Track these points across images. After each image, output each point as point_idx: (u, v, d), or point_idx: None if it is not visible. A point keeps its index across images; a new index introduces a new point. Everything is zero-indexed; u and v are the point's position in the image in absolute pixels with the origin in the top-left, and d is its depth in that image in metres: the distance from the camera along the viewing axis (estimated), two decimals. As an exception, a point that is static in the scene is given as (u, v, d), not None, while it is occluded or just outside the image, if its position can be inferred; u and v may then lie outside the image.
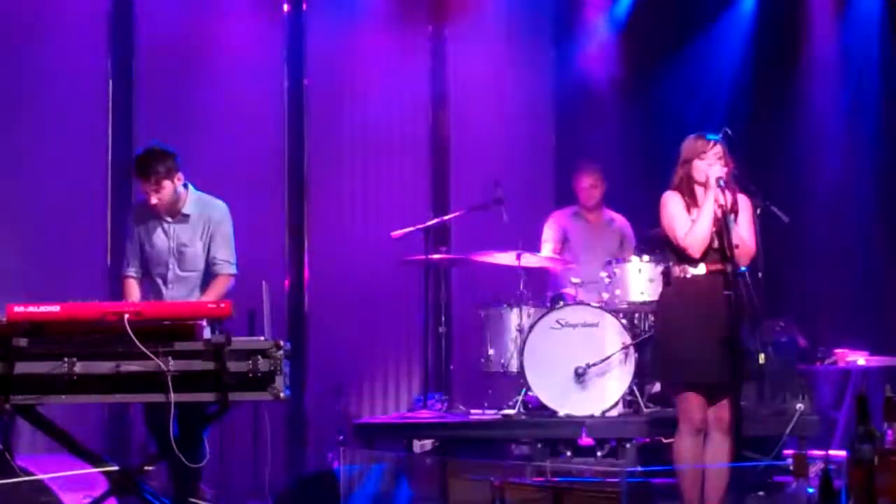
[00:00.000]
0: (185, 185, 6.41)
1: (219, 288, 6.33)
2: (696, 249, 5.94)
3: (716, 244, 5.92)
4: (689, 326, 5.90)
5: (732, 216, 5.88)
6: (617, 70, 10.21)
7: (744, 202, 6.01)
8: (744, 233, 5.95)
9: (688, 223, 5.96)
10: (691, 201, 6.01)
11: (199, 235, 6.38)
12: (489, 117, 9.97)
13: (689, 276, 5.97)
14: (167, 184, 6.28)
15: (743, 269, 5.95)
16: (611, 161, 9.01)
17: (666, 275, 6.22)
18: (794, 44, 10.06)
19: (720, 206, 5.87)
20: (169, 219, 6.40)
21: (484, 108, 9.99)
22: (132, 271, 6.46)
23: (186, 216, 6.39)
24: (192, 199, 6.41)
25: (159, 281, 6.42)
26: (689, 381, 5.93)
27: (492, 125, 9.95)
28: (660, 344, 6.24)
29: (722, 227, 5.86)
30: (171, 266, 6.40)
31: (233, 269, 6.40)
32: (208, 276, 6.40)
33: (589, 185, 8.69)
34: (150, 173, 6.25)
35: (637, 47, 10.14)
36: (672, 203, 6.04)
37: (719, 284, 5.85)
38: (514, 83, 10.15)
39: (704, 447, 5.96)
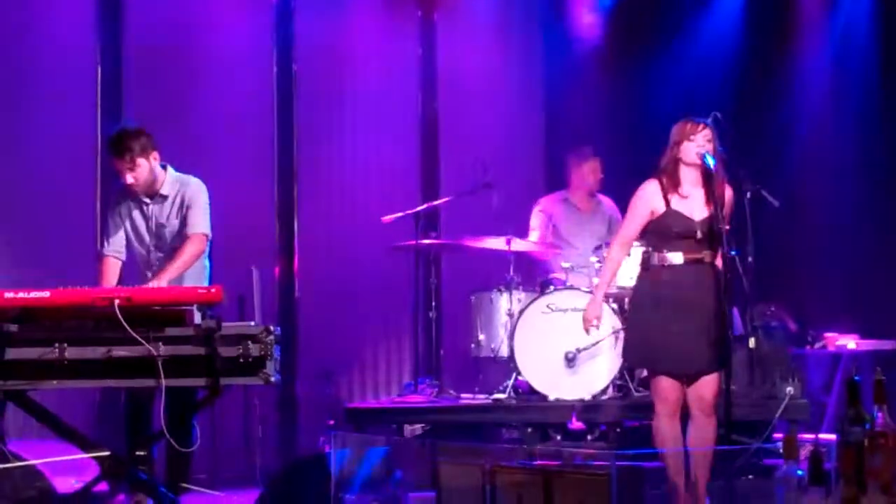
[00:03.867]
0: (164, 167, 6.39)
1: (189, 248, 6.22)
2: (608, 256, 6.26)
3: (699, 235, 5.92)
4: (663, 315, 5.92)
5: (722, 206, 5.88)
6: (607, 54, 10.20)
7: (728, 194, 6.01)
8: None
9: (633, 232, 6.04)
10: (672, 186, 5.99)
11: (175, 213, 6.34)
12: (479, 102, 9.97)
13: (666, 264, 5.98)
14: (142, 162, 6.24)
15: (734, 251, 5.96)
16: (601, 145, 9.01)
17: (644, 261, 6.22)
18: (785, 26, 10.06)
19: (713, 197, 5.86)
20: (147, 200, 6.37)
21: (473, 93, 9.99)
22: (111, 250, 6.42)
23: (164, 196, 6.36)
24: (171, 180, 6.37)
25: (142, 265, 6.40)
26: (661, 369, 5.97)
27: (481, 110, 9.94)
28: (632, 329, 6.26)
29: (714, 215, 5.85)
30: (151, 249, 6.38)
31: (202, 229, 6.30)
32: None
33: (596, 168, 8.65)
34: (125, 151, 6.21)
35: (627, 31, 10.13)
36: (643, 196, 6.04)
37: (695, 273, 5.87)
38: (504, 68, 10.15)
39: (688, 428, 5.99)
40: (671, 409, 5.98)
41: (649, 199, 6.01)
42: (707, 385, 5.93)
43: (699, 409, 5.96)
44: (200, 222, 6.31)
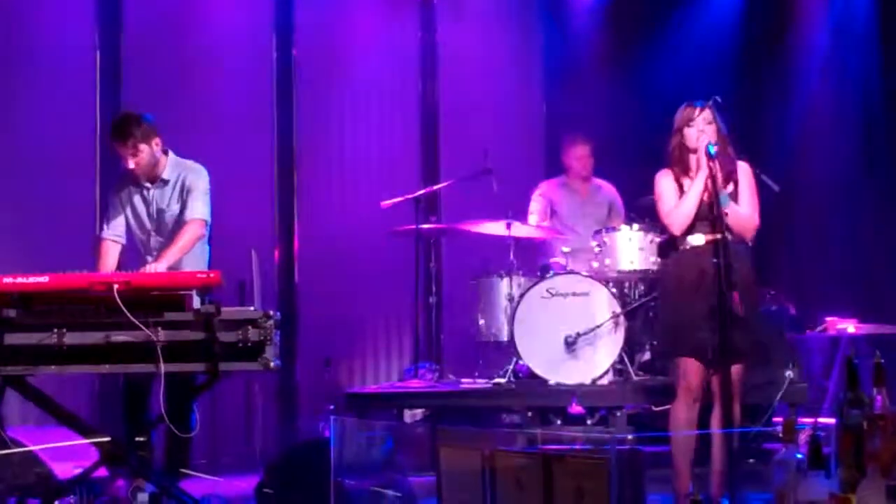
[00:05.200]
0: (165, 152, 6.39)
1: (186, 234, 6.25)
2: (677, 227, 5.94)
3: (715, 213, 5.89)
4: (689, 297, 5.88)
5: (733, 186, 5.86)
6: (606, 39, 10.19)
7: (744, 169, 5.99)
8: (744, 202, 5.92)
9: (674, 200, 5.96)
10: (683, 172, 5.99)
11: (176, 198, 6.36)
12: (479, 87, 9.95)
13: (689, 246, 5.96)
14: (144, 147, 6.26)
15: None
16: (600, 130, 9.00)
17: (668, 244, 6.22)
18: (784, 11, 10.04)
19: (712, 175, 5.83)
20: (148, 185, 6.38)
21: (473, 77, 9.97)
22: (110, 234, 6.44)
23: (165, 181, 6.38)
24: (171, 165, 6.39)
25: (142, 249, 6.42)
26: (684, 351, 5.93)
27: (481, 95, 9.93)
28: (664, 316, 6.24)
29: (712, 195, 5.83)
30: (152, 233, 6.39)
31: (201, 214, 6.33)
32: None
33: (584, 154, 8.67)
34: (127, 137, 6.24)
35: (626, 16, 10.11)
36: (662, 181, 6.04)
37: (718, 252, 5.82)
38: (504, 52, 10.14)
39: (713, 415, 5.93)
40: (693, 393, 5.91)
41: (667, 180, 6.00)
42: (735, 370, 5.87)
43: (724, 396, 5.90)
44: (199, 208, 6.32)
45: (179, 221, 6.33)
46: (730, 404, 5.81)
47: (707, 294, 5.79)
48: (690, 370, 5.92)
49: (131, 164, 6.27)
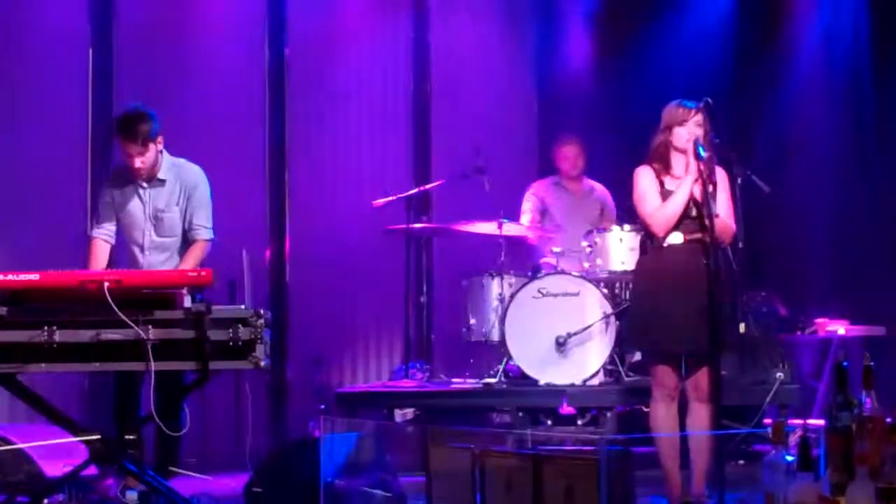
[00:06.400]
0: (160, 150, 6.36)
1: (196, 253, 6.27)
2: (660, 228, 5.91)
3: (693, 213, 5.89)
4: (664, 295, 5.87)
5: (711, 188, 5.85)
6: (599, 38, 10.19)
7: (722, 177, 5.97)
8: (722, 210, 5.90)
9: (657, 200, 5.93)
10: (664, 170, 5.98)
11: (175, 201, 6.31)
12: (471, 86, 9.95)
13: (666, 245, 5.95)
14: (152, 146, 6.22)
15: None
16: (592, 130, 8.99)
17: (644, 243, 6.21)
18: (777, 10, 10.05)
19: (702, 177, 5.82)
20: (144, 184, 6.33)
21: (466, 76, 9.97)
22: (100, 233, 6.39)
23: (162, 181, 6.32)
24: (167, 164, 6.34)
25: (135, 248, 6.36)
26: (663, 350, 5.93)
27: (474, 94, 9.93)
28: (635, 312, 6.22)
29: (703, 197, 5.83)
30: (147, 232, 6.34)
31: (210, 234, 6.34)
32: (186, 241, 6.35)
33: (572, 155, 8.69)
34: (139, 135, 6.14)
35: (619, 15, 10.11)
36: (643, 178, 6.00)
37: (696, 254, 5.82)
38: (497, 51, 10.13)
39: (687, 416, 5.95)
40: (668, 393, 5.93)
41: (648, 177, 5.98)
42: (703, 372, 5.88)
43: (695, 398, 5.92)
44: (206, 228, 6.31)
45: (180, 226, 6.31)
46: (705, 403, 5.84)
47: (683, 293, 5.79)
48: (665, 371, 5.94)
49: (138, 163, 6.19)
